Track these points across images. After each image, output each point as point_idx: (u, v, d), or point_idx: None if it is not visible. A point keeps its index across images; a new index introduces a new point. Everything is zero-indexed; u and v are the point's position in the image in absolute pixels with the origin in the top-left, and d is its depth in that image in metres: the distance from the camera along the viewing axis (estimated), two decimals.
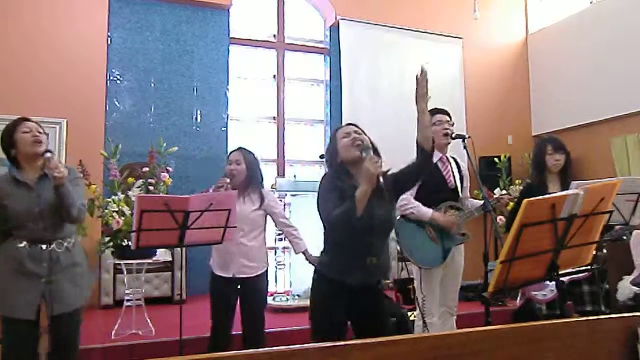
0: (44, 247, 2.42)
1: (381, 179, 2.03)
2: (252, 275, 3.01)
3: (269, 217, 3.14)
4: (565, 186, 2.93)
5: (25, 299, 2.37)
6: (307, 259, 3.03)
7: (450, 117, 3.19)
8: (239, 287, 3.00)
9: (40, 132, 2.48)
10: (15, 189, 2.41)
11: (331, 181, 2.25)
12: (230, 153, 3.13)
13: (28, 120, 2.51)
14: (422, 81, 2.17)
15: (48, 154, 2.39)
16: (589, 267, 2.67)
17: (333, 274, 2.22)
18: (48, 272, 2.40)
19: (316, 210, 2.26)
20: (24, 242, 2.40)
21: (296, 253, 3.17)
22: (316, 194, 2.27)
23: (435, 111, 3.21)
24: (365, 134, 2.32)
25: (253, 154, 3.12)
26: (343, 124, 2.41)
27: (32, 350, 2.41)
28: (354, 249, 2.19)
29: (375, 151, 2.26)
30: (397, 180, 2.26)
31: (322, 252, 2.33)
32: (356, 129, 2.32)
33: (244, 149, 3.13)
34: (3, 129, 2.48)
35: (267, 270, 3.11)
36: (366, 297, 2.24)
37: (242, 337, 3.03)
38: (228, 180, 2.97)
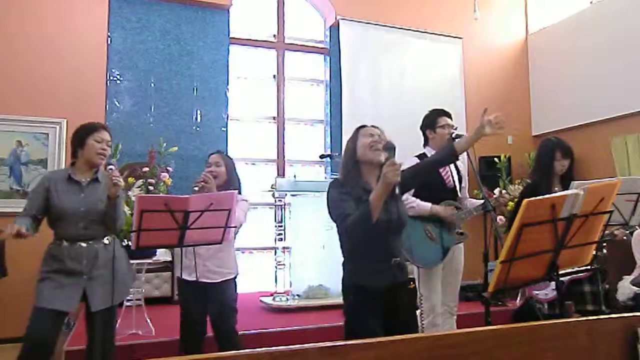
0: (83, 245, 2.55)
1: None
2: (219, 281, 2.92)
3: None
4: (566, 187, 2.93)
5: (66, 293, 2.48)
6: None
7: (451, 119, 3.21)
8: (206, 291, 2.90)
9: (109, 146, 2.64)
10: (66, 187, 2.57)
11: (340, 188, 2.22)
12: (209, 156, 3.10)
13: (105, 129, 2.67)
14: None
15: (111, 166, 2.54)
16: (589, 267, 2.68)
17: (363, 281, 2.19)
18: (89, 269, 2.53)
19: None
20: (65, 242, 2.53)
21: None
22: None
23: (441, 113, 3.21)
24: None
25: (232, 160, 3.12)
26: (368, 124, 2.33)
27: (54, 344, 2.50)
28: (376, 253, 2.18)
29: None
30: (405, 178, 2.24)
31: (344, 262, 2.28)
32: (380, 132, 2.29)
33: (223, 152, 3.14)
34: (79, 127, 2.64)
35: (236, 276, 3.02)
36: (398, 294, 2.23)
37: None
38: (202, 180, 2.88)
